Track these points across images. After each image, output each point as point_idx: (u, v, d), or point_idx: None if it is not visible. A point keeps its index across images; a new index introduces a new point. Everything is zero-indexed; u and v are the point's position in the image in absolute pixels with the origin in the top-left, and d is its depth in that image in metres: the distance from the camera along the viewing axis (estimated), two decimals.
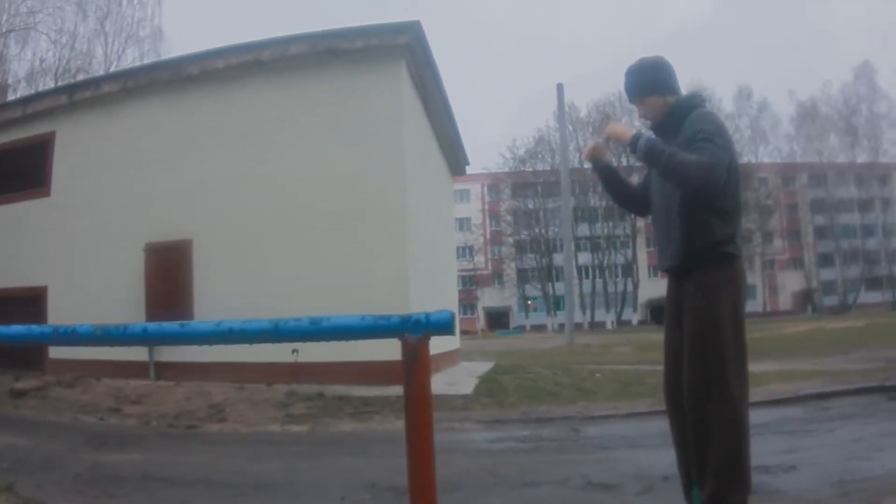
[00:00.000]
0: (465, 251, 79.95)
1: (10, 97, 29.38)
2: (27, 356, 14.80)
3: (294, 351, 12.66)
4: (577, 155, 77.02)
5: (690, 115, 3.78)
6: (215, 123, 14.43)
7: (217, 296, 13.77)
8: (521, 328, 75.91)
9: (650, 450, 6.90)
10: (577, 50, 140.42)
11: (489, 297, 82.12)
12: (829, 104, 76.04)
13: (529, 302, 76.60)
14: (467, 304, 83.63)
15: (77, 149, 15.81)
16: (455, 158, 21.47)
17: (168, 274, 14.22)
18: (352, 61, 13.73)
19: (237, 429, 9.80)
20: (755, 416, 7.92)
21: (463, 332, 67.03)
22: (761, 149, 78.26)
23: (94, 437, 8.97)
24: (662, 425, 8.11)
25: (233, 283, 13.75)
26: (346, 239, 13.23)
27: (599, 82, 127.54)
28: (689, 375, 3.72)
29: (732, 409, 3.63)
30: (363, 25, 13.62)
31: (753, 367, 13.27)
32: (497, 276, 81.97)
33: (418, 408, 2.34)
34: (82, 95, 15.91)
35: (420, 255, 14.60)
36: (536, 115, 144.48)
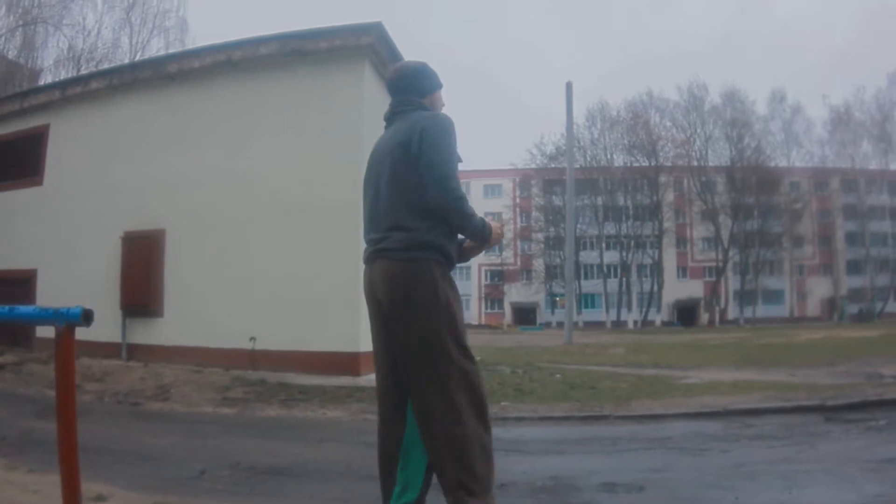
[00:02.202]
0: (494, 246, 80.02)
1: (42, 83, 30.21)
2: (16, 333, 15.64)
3: (252, 339, 13.33)
4: (607, 153, 77.16)
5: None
6: (191, 120, 15.03)
7: (186, 282, 14.52)
8: (547, 324, 75.17)
9: (524, 455, 7.02)
10: (610, 48, 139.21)
11: (517, 293, 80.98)
12: (862, 110, 74.52)
13: (558, 299, 75.68)
14: (494, 298, 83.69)
15: (68, 141, 16.60)
16: None
17: (142, 261, 14.87)
18: (317, 61, 14.17)
19: (174, 408, 10.28)
20: (671, 428, 8.27)
21: (487, 327, 67.32)
22: (794, 152, 76.95)
23: (45, 408, 9.29)
24: (566, 430, 8.70)
25: (200, 270, 14.41)
26: (305, 231, 13.66)
27: (635, 78, 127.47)
28: None
29: None
30: (328, 27, 14.05)
31: (723, 375, 13.25)
32: (525, 272, 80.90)
33: (63, 378, 2.98)
34: (73, 91, 16.69)
35: None
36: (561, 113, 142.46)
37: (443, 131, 3.67)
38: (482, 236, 3.82)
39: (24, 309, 3.24)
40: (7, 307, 3.30)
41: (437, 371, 3.52)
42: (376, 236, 3.75)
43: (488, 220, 3.85)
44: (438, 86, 4.12)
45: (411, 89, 4.00)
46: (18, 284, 16.04)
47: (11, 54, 34.82)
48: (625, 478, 5.50)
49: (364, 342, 12.45)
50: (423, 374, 3.55)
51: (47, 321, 3.03)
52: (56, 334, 2.96)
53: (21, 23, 34.22)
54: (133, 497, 4.64)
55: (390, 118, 4.01)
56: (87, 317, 2.89)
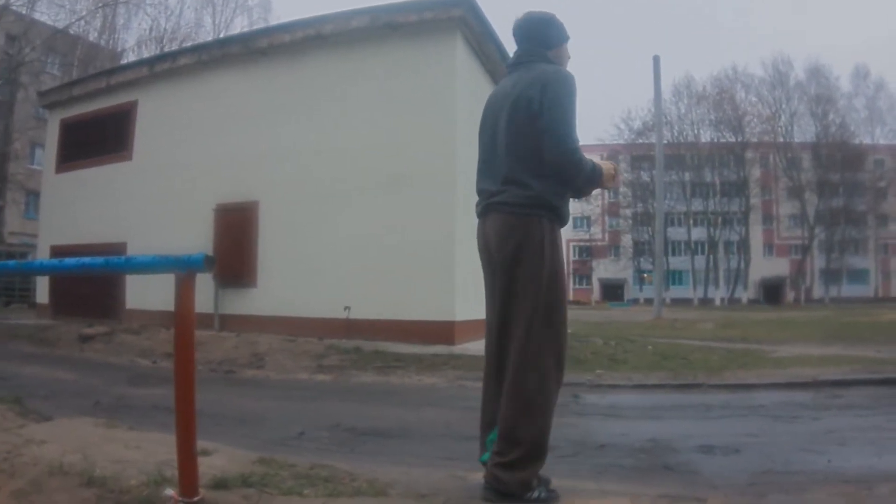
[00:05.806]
0: (582, 221, 79.43)
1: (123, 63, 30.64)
2: (106, 306, 16.16)
3: (346, 308, 13.44)
4: (694, 128, 75.85)
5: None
6: (281, 94, 15.12)
7: (279, 253, 14.74)
8: (635, 301, 74.50)
9: (621, 419, 7.07)
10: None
11: (605, 269, 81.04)
12: None
13: (645, 275, 75.06)
14: (582, 274, 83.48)
15: (157, 116, 16.97)
16: None
17: (235, 232, 15.15)
18: (408, 35, 14.06)
19: (269, 375, 10.42)
20: (763, 397, 8.37)
21: (576, 303, 66.91)
22: (878, 130, 74.74)
23: (137, 376, 9.77)
24: (660, 398, 8.70)
25: (293, 242, 14.58)
26: (398, 203, 13.64)
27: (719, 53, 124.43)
28: None
29: None
30: (419, 0, 13.94)
31: (810, 350, 13.15)
32: (613, 248, 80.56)
33: (182, 326, 3.00)
34: (161, 67, 17.06)
35: (472, 218, 14.96)
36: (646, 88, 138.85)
37: (566, 90, 3.60)
38: (593, 183, 3.75)
39: (141, 258, 3.28)
40: (123, 257, 3.34)
41: (531, 328, 3.55)
42: (491, 188, 3.76)
43: (598, 161, 3.78)
44: (565, 38, 4.02)
45: (538, 39, 3.92)
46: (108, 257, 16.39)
47: (92, 36, 35.31)
48: (720, 441, 5.62)
49: (459, 312, 12.53)
50: (520, 329, 3.57)
51: (167, 268, 3.06)
52: (176, 281, 2.98)
53: (101, 4, 34.72)
54: (237, 453, 4.63)
55: (513, 67, 3.94)
56: (209, 262, 2.90)
